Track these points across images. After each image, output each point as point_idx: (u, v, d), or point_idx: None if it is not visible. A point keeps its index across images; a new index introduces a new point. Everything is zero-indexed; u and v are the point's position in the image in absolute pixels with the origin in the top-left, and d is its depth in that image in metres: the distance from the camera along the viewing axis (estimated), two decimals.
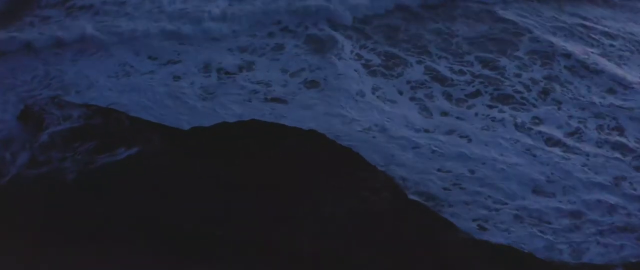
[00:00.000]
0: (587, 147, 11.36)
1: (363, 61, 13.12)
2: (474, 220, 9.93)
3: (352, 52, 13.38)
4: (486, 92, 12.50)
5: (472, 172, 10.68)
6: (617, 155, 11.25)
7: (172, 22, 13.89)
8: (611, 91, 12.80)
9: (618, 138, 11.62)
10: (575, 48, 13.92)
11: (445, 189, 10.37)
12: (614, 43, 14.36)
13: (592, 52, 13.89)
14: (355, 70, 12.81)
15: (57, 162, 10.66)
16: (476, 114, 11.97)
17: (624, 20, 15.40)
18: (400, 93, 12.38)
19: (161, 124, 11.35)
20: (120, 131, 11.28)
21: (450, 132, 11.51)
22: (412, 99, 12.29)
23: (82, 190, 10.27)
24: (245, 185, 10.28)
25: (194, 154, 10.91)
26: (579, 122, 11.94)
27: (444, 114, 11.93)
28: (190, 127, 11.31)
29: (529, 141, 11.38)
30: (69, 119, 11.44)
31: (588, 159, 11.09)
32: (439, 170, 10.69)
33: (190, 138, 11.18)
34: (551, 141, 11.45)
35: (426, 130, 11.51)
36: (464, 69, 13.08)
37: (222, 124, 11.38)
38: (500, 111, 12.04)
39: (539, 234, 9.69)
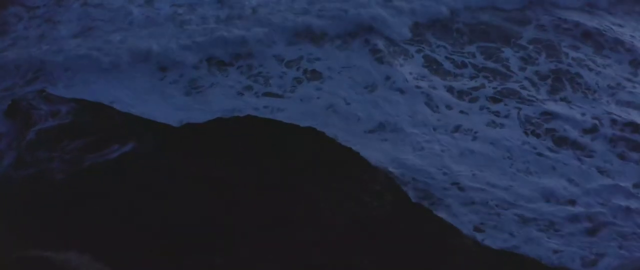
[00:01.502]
0: (601, 146, 11.09)
1: (363, 52, 12.77)
2: (475, 223, 9.69)
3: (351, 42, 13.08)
4: (490, 86, 12.22)
5: (473, 173, 10.41)
6: (635, 155, 10.94)
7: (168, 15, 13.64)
8: (623, 85, 12.52)
9: (633, 135, 11.30)
10: (582, 40, 13.67)
11: (446, 189, 10.13)
12: (623, 35, 14.01)
13: (600, 45, 13.61)
14: (355, 62, 12.53)
15: (45, 162, 10.38)
16: (481, 109, 11.71)
17: (633, 9, 15.17)
18: (403, 85, 12.06)
19: (152, 120, 11.12)
20: (110, 128, 11.04)
21: (454, 130, 11.26)
22: (413, 93, 11.96)
23: (72, 192, 9.99)
24: (240, 186, 10.04)
25: (186, 153, 10.67)
26: (592, 118, 11.62)
27: (449, 107, 11.66)
28: (181, 123, 11.09)
29: (537, 141, 11.11)
30: (57, 115, 11.19)
31: (602, 159, 10.81)
32: (441, 170, 10.43)
33: (182, 135, 10.96)
34: (561, 140, 11.18)
35: (429, 128, 11.24)
36: (466, 60, 12.77)
37: (215, 121, 11.15)
38: (506, 105, 11.78)
39: (546, 239, 9.43)
